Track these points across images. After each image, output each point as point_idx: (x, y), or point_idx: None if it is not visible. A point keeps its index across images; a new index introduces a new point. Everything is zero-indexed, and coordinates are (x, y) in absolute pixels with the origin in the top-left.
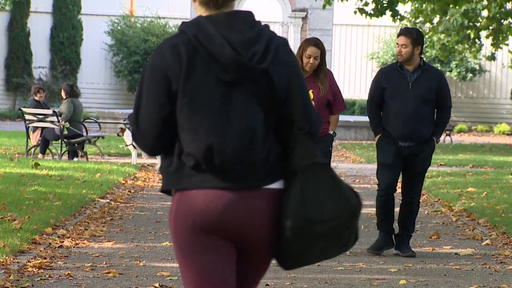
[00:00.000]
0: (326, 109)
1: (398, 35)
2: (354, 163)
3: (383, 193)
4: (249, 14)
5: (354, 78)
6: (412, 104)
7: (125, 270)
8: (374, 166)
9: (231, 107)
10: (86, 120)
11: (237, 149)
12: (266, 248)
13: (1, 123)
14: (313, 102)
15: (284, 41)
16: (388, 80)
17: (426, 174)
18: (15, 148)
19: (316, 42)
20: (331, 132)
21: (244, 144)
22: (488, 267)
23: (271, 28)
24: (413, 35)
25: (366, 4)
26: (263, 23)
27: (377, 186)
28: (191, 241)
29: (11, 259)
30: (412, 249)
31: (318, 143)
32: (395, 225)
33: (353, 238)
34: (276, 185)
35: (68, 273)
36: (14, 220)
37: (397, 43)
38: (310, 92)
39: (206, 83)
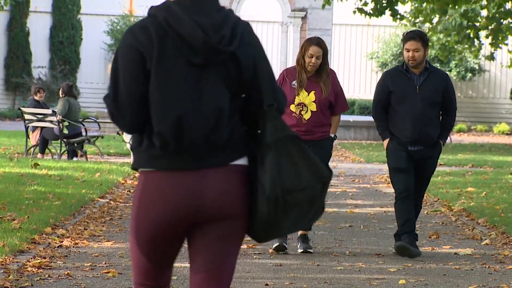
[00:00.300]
0: (328, 111)
1: (407, 40)
2: (354, 162)
3: (402, 195)
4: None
5: (353, 78)
6: (420, 108)
7: (124, 270)
8: (373, 166)
9: (200, 88)
10: (86, 120)
11: (205, 128)
12: (239, 222)
13: (1, 122)
14: (314, 104)
15: (247, 25)
16: (394, 83)
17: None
18: (15, 147)
19: (318, 42)
20: (332, 135)
21: (212, 124)
22: (487, 266)
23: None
24: (424, 38)
25: (366, 3)
26: (227, 8)
27: (372, 185)
28: (154, 224)
29: (11, 258)
30: None
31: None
32: (394, 224)
33: (321, 210)
34: (241, 161)
35: (68, 272)
36: (14, 220)
37: (406, 48)
38: (312, 93)
39: (176, 65)
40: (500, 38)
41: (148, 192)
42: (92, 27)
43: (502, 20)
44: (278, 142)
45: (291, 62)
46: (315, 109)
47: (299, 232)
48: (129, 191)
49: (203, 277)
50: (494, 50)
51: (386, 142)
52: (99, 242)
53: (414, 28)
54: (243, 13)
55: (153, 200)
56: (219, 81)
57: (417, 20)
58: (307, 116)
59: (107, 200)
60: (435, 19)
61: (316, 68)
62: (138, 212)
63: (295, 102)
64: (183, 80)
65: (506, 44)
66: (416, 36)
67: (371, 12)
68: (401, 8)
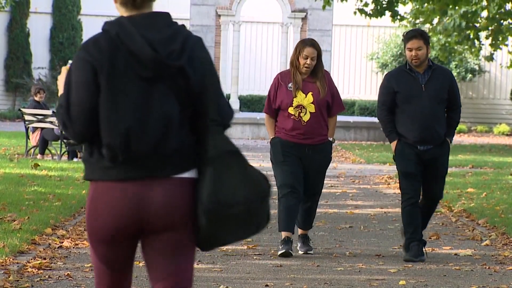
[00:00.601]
0: (326, 112)
1: (409, 39)
2: (354, 163)
3: (408, 202)
4: (166, 15)
5: (353, 79)
6: (428, 106)
7: None
8: (373, 166)
9: (149, 101)
10: None
11: (153, 140)
12: (187, 234)
13: (1, 123)
14: (313, 105)
15: (199, 40)
16: (399, 83)
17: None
18: (15, 148)
19: (312, 43)
20: (330, 139)
21: (160, 135)
22: (487, 267)
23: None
24: (425, 36)
25: (366, 4)
26: (180, 23)
27: (372, 186)
28: (102, 232)
29: (11, 259)
30: None
31: (225, 132)
32: (394, 225)
33: (266, 219)
34: (190, 174)
35: (68, 273)
36: (14, 221)
37: (408, 48)
38: (310, 94)
39: (126, 79)
40: (500, 39)
41: (97, 202)
42: (92, 28)
43: (502, 21)
44: (218, 157)
45: None
46: (314, 110)
47: (299, 232)
48: None
49: (165, 285)
50: (494, 51)
51: (394, 144)
52: None
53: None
54: (243, 14)
55: (102, 209)
56: (168, 94)
57: (417, 21)
58: (306, 117)
59: None
60: (435, 20)
61: (310, 70)
62: (89, 220)
63: (293, 105)
64: (132, 93)
65: (506, 45)
66: (417, 35)
67: (371, 13)
68: (401, 8)
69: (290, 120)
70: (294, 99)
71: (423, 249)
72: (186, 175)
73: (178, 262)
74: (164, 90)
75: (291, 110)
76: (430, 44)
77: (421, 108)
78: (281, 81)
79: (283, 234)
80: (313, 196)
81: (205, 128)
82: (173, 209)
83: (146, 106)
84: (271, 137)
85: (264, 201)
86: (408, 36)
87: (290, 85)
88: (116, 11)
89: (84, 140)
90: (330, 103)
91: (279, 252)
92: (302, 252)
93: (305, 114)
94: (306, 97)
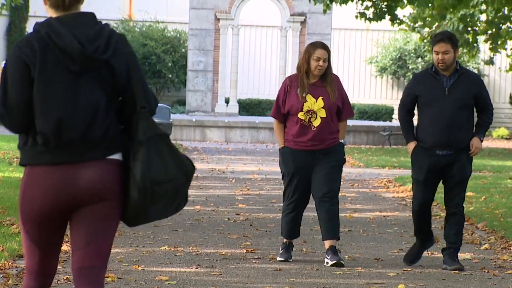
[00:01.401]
0: (336, 116)
1: (436, 42)
2: (353, 167)
3: (417, 208)
4: (91, 15)
5: (352, 82)
6: (449, 111)
7: (123, 275)
8: (373, 170)
9: (77, 92)
10: None
11: (82, 127)
12: (114, 209)
13: (0, 127)
14: (323, 110)
15: (122, 36)
16: (422, 86)
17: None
18: (14, 152)
19: (322, 45)
20: (341, 141)
21: (88, 123)
22: (486, 271)
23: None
24: (453, 39)
25: (367, 8)
26: (104, 22)
27: (372, 190)
28: (34, 213)
29: (10, 263)
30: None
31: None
32: (393, 229)
33: (184, 201)
34: (116, 156)
35: (67, 277)
36: (13, 225)
37: (435, 51)
38: (320, 99)
39: (57, 73)
40: (499, 42)
41: (31, 184)
42: None
43: (501, 25)
44: (149, 140)
45: (290, 67)
46: (324, 115)
47: (328, 244)
48: None
49: (82, 253)
50: (493, 54)
51: (410, 146)
52: None
53: (414, 32)
54: (242, 18)
55: (35, 190)
56: (95, 85)
57: (416, 25)
58: (316, 123)
59: None
60: (434, 24)
61: (323, 71)
62: (22, 202)
63: (303, 110)
64: (62, 86)
65: (505, 49)
66: (445, 38)
67: (371, 17)
68: (400, 12)
69: (299, 126)
70: (305, 104)
71: (428, 242)
72: (113, 156)
73: (98, 233)
74: (91, 82)
75: (301, 115)
76: (430, 48)
77: (442, 112)
78: (289, 86)
79: (286, 239)
80: (330, 198)
81: (136, 115)
82: (100, 184)
83: (75, 97)
84: (281, 146)
85: (188, 181)
86: (436, 40)
87: (299, 90)
88: (115, 15)
89: (20, 130)
90: (341, 107)
91: (278, 259)
92: (334, 262)
93: (315, 119)
94: (316, 101)
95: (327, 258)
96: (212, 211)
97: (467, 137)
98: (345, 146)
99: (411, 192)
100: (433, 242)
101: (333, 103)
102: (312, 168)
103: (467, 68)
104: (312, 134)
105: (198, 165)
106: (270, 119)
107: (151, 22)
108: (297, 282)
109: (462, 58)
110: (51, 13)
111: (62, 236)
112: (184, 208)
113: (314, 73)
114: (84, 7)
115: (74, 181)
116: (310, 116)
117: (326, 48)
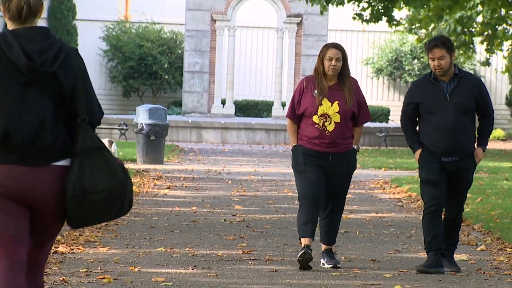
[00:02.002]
0: (351, 122)
1: (431, 48)
2: None
3: (430, 210)
4: (44, 29)
5: None
6: (452, 117)
7: (120, 276)
8: (369, 171)
9: (25, 102)
10: None
11: (29, 134)
12: (56, 213)
13: None
14: (338, 115)
15: (73, 50)
16: (423, 94)
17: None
18: None
19: (335, 44)
20: (355, 147)
21: (34, 131)
22: (483, 272)
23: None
24: (447, 44)
25: (364, 9)
26: (57, 37)
27: (368, 191)
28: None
29: None
30: (407, 255)
31: (94, 131)
32: (390, 230)
33: (127, 206)
34: (63, 163)
35: (63, 278)
36: None
37: (430, 57)
38: (336, 103)
39: (6, 83)
40: (495, 43)
41: None
42: (88, 33)
43: (497, 26)
44: (84, 152)
45: (287, 68)
46: (339, 120)
47: (323, 247)
48: None
49: (36, 250)
50: (490, 56)
51: (417, 154)
52: (95, 248)
53: (410, 34)
54: (239, 19)
55: None
56: (43, 96)
57: (413, 26)
58: (330, 127)
59: None
60: (431, 26)
61: (337, 71)
62: None
63: (318, 113)
64: (11, 96)
65: (501, 50)
66: (439, 43)
67: (368, 18)
68: (397, 14)
69: (314, 129)
70: (319, 107)
71: (442, 260)
72: (60, 163)
73: (43, 245)
74: (39, 93)
75: (315, 118)
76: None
77: (445, 119)
78: (306, 87)
79: (303, 241)
80: (337, 206)
81: (76, 126)
82: (50, 190)
83: (23, 107)
84: (293, 145)
85: (123, 190)
86: (430, 46)
87: (316, 91)
88: (112, 16)
89: None
90: (356, 113)
91: (298, 256)
92: (331, 266)
93: (329, 124)
94: (332, 106)
95: (323, 260)
96: (209, 212)
97: (471, 143)
98: (358, 152)
99: (407, 193)
100: (444, 255)
101: (348, 108)
102: (325, 167)
103: (463, 68)
104: (327, 139)
105: (194, 167)
106: (266, 121)
107: (147, 23)
108: (294, 283)
109: (458, 59)
110: (9, 25)
111: (27, 224)
112: (181, 209)
113: (328, 73)
114: (81, 9)
115: (27, 185)
116: (324, 120)
117: (339, 47)
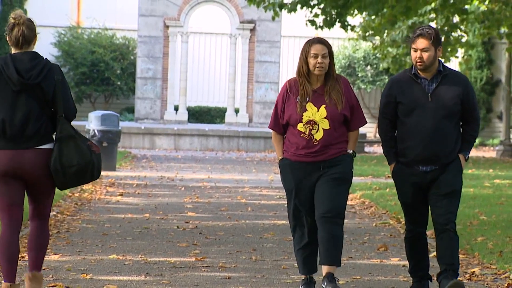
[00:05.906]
0: (342, 127)
1: (415, 38)
2: None
3: (410, 234)
4: (34, 53)
5: None
6: (432, 120)
7: (71, 283)
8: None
9: (17, 104)
10: None
11: (18, 126)
12: (43, 181)
13: None
14: (326, 121)
15: (55, 65)
16: (402, 91)
17: (373, 186)
18: None
19: (319, 40)
20: (350, 152)
21: (23, 123)
22: (435, 279)
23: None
24: (433, 35)
25: (317, 15)
26: (45, 57)
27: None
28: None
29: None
30: (360, 261)
31: (70, 123)
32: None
33: (97, 173)
34: (47, 146)
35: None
36: None
37: (413, 48)
38: (322, 108)
39: (5, 91)
40: (449, 49)
41: None
42: (39, 39)
43: (451, 33)
44: (61, 138)
45: (240, 74)
46: (327, 127)
47: (325, 271)
48: (76, 204)
49: (35, 211)
50: (445, 62)
51: (391, 168)
52: (46, 255)
53: (364, 41)
54: (192, 25)
55: None
56: (30, 99)
57: (367, 34)
58: (318, 135)
59: (54, 213)
60: (385, 33)
61: (325, 70)
62: None
63: (303, 121)
64: (8, 99)
65: (457, 57)
66: (424, 33)
67: (321, 24)
68: (350, 21)
69: (300, 138)
70: (304, 113)
71: (427, 285)
72: (44, 146)
73: (43, 199)
74: (28, 97)
75: (300, 127)
76: (383, 56)
77: (424, 121)
78: (289, 92)
79: (304, 275)
80: (332, 216)
81: (57, 120)
82: (36, 166)
83: (15, 106)
84: (279, 158)
85: (89, 165)
86: (415, 35)
87: (298, 97)
88: (63, 22)
89: None
90: (349, 117)
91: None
92: None
93: (317, 132)
94: (318, 111)
95: (324, 284)
96: (161, 219)
97: (454, 150)
98: (355, 157)
99: (360, 199)
100: (430, 279)
101: (339, 112)
102: (314, 177)
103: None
104: (314, 148)
105: (147, 173)
106: (219, 127)
107: (99, 29)
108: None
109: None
110: (12, 50)
111: (23, 192)
112: (133, 216)
113: (315, 73)
114: (32, 15)
115: (20, 162)
116: (311, 128)
117: (324, 42)
